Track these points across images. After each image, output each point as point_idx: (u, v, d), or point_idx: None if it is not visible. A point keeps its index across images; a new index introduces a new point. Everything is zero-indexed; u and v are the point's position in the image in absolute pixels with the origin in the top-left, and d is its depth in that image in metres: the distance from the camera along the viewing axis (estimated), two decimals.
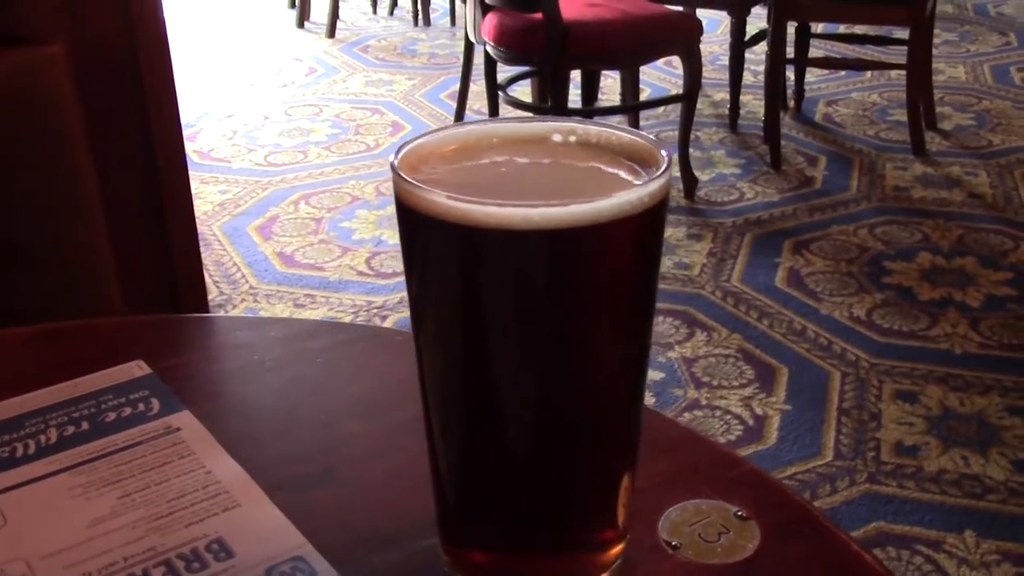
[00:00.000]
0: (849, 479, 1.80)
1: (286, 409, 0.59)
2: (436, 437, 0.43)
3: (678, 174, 2.96)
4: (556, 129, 0.43)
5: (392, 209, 2.68)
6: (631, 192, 0.36)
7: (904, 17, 2.99)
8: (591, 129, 0.43)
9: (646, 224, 0.37)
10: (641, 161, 0.41)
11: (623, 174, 0.40)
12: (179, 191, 1.23)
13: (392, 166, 0.40)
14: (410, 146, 0.41)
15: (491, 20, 2.79)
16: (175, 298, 1.28)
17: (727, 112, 3.46)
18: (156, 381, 0.62)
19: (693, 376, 2.10)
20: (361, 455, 0.54)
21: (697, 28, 2.82)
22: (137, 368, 0.63)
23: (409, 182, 0.37)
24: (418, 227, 0.38)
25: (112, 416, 0.59)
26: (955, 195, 2.91)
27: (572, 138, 0.43)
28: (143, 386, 0.62)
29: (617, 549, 0.44)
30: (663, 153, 0.40)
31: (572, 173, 0.41)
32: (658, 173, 0.38)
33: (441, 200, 0.36)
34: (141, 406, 0.60)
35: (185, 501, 0.52)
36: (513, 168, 0.41)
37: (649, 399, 2.02)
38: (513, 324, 0.38)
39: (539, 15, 2.62)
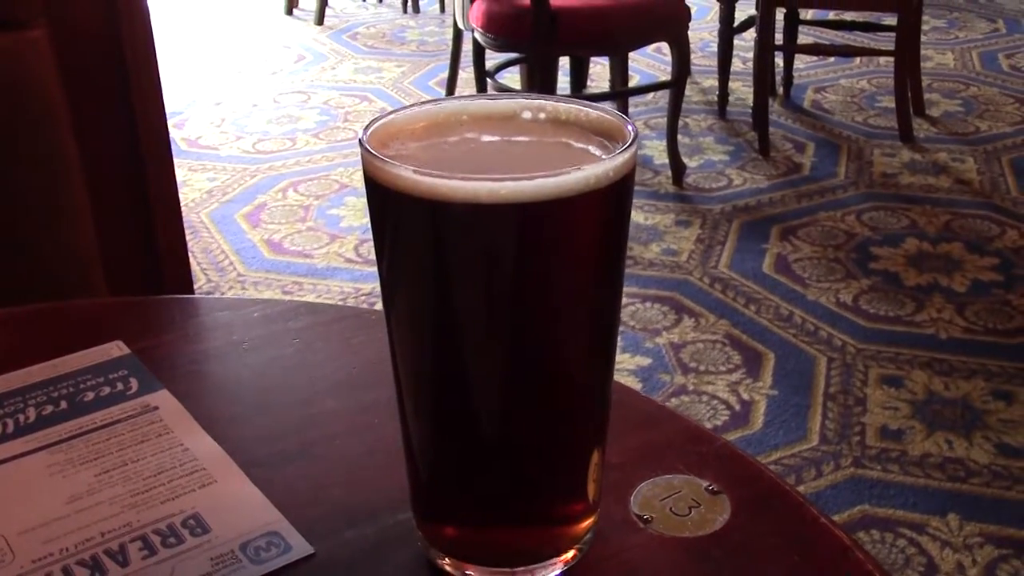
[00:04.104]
0: (834, 463, 1.81)
1: (264, 388, 0.60)
2: (407, 413, 0.43)
3: (666, 160, 2.96)
4: (526, 106, 0.43)
5: None
6: (597, 166, 0.37)
7: (892, 3, 2.99)
8: (560, 106, 0.43)
9: (612, 197, 0.38)
10: (609, 136, 0.41)
11: (592, 149, 0.40)
12: (164, 177, 1.23)
13: (360, 142, 0.40)
14: (380, 123, 0.42)
15: (479, 6, 2.78)
16: (161, 285, 1.28)
17: (716, 99, 3.47)
18: (134, 361, 0.62)
19: (680, 362, 2.11)
20: (338, 432, 0.54)
21: (685, 15, 2.82)
22: (116, 348, 0.64)
23: (376, 157, 0.38)
24: (386, 203, 0.38)
25: (90, 396, 0.60)
26: (942, 181, 2.92)
27: (542, 115, 0.43)
28: (121, 366, 0.62)
29: (588, 523, 0.45)
30: (629, 128, 0.40)
31: (540, 148, 0.41)
32: (623, 147, 0.38)
33: (408, 175, 0.36)
34: (120, 385, 0.60)
35: (162, 478, 0.52)
36: (482, 144, 0.41)
37: (636, 384, 2.03)
38: (481, 298, 0.39)
39: (527, 1, 2.62)
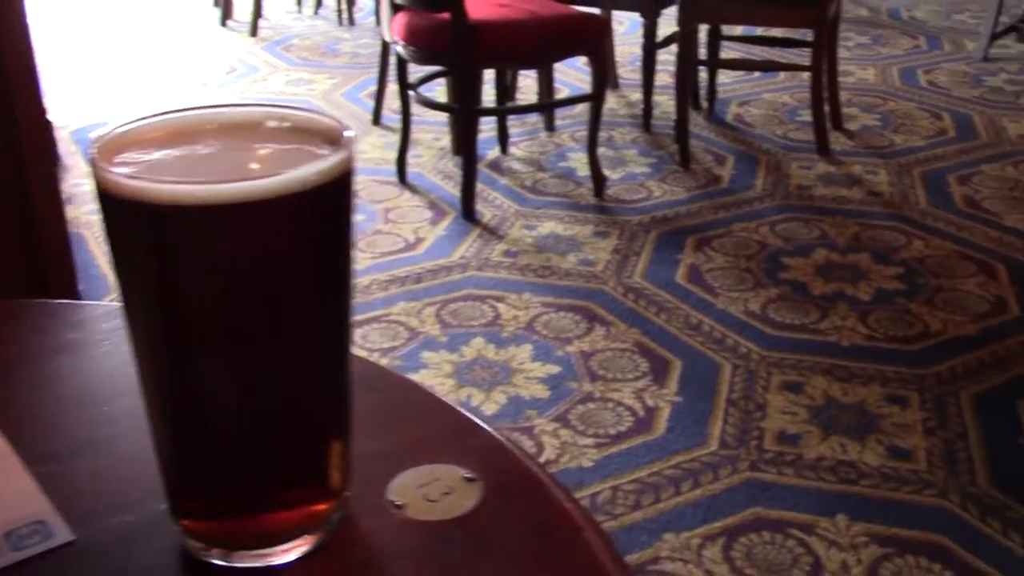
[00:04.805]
0: (731, 467, 1.86)
1: (68, 388, 0.62)
2: (150, 414, 0.46)
3: (588, 173, 3.01)
4: (271, 115, 0.46)
5: None
6: (300, 170, 0.40)
7: (807, 20, 3.07)
8: (303, 115, 0.46)
9: (318, 200, 0.41)
10: (337, 143, 0.44)
11: (321, 154, 0.43)
12: (47, 186, 1.24)
13: (88, 149, 0.42)
14: (118, 131, 0.44)
15: (400, 19, 2.81)
16: (45, 291, 1.28)
17: (641, 112, 3.53)
18: None
19: (589, 369, 2.15)
20: (127, 430, 0.56)
21: (604, 29, 2.87)
22: None
23: (97, 163, 0.40)
24: (105, 207, 0.41)
25: None
26: (855, 193, 3.00)
27: (286, 124, 0.46)
28: None
29: (328, 507, 0.48)
30: (346, 135, 0.43)
31: (270, 154, 0.44)
32: (329, 154, 0.41)
33: (119, 179, 0.39)
34: None
35: None
36: (215, 151, 0.44)
37: (544, 392, 2.06)
38: (193, 300, 0.41)
39: (446, 15, 2.65)
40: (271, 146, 0.45)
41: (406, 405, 0.58)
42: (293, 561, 0.47)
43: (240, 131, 0.45)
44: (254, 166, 0.42)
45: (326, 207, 0.41)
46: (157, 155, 0.43)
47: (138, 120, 0.45)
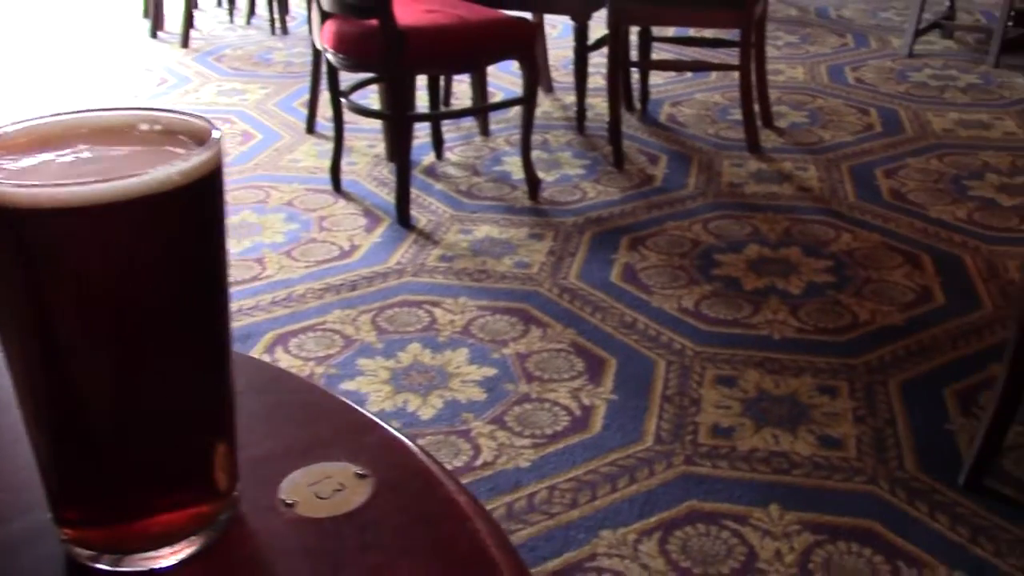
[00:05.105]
0: (667, 462, 1.88)
1: None
2: (26, 421, 0.46)
3: (523, 176, 3.03)
4: (143, 119, 0.46)
5: (236, 219, 2.64)
6: (161, 170, 0.40)
7: (733, 20, 3.12)
8: (175, 118, 0.46)
9: (183, 200, 0.41)
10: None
11: (186, 154, 0.43)
12: None
13: None
14: None
15: (329, 27, 2.81)
16: None
17: (575, 115, 3.55)
18: None
19: (525, 371, 2.16)
20: (9, 441, 0.56)
21: (533, 33, 2.88)
22: None
23: None
24: None
25: None
26: (785, 189, 3.05)
27: (157, 126, 0.46)
28: None
29: (214, 508, 0.48)
30: (213, 136, 0.43)
31: (137, 157, 0.44)
32: (192, 155, 0.41)
33: None
34: None
35: None
36: (83, 156, 0.44)
37: (480, 394, 2.07)
38: (63, 305, 0.41)
39: (375, 22, 2.65)
40: (140, 149, 0.45)
41: (302, 406, 0.58)
42: (180, 563, 0.47)
43: (110, 135, 0.45)
44: (120, 169, 0.42)
45: (192, 207, 0.42)
46: (24, 161, 0.43)
47: (7, 126, 0.45)
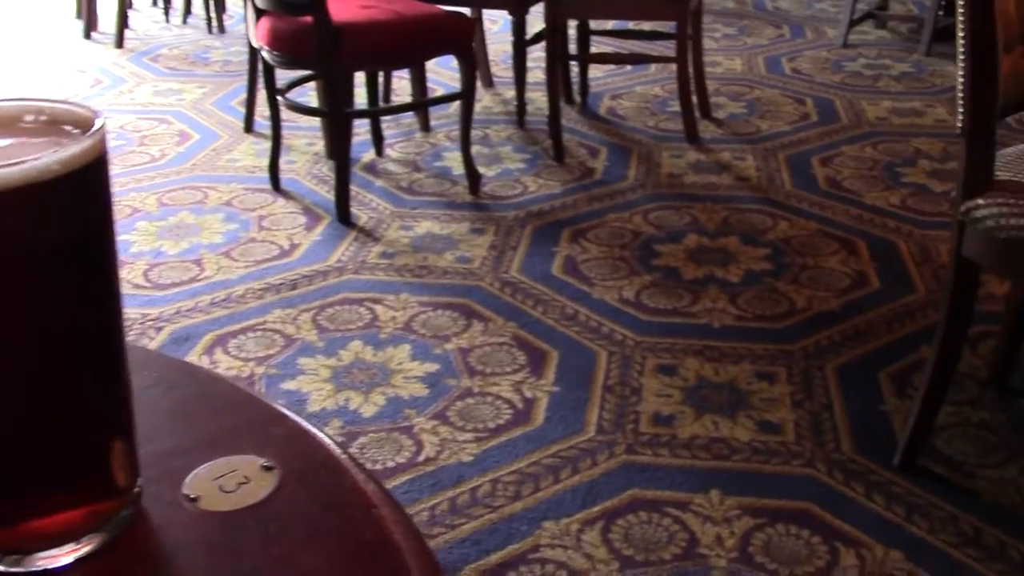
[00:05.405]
0: (609, 452, 1.89)
1: None
2: None
3: (463, 171, 3.02)
4: (29, 109, 0.45)
5: (174, 220, 2.61)
6: (41, 159, 0.39)
7: (668, 13, 3.14)
8: (59, 108, 0.45)
9: (63, 190, 0.40)
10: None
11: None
12: None
13: None
14: None
15: (264, 24, 2.78)
16: None
17: (515, 109, 3.55)
18: None
19: (467, 365, 2.15)
20: None
21: (470, 28, 2.88)
22: None
23: None
24: None
25: None
26: (724, 179, 3.08)
27: (42, 117, 0.45)
28: None
29: (114, 506, 0.47)
30: (97, 124, 0.42)
31: (19, 147, 0.43)
32: (71, 144, 0.41)
33: None
34: None
35: None
36: None
37: (423, 390, 2.06)
38: None
39: (310, 18, 2.63)
40: (24, 139, 0.44)
41: (210, 399, 0.57)
42: (79, 561, 0.46)
43: None
44: (1, 159, 0.41)
45: (74, 197, 0.41)
46: None
47: None
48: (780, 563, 1.61)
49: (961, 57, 1.60)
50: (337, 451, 0.53)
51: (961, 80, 1.61)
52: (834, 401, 2.02)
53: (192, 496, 0.50)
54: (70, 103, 0.45)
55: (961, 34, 1.58)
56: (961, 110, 1.63)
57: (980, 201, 1.62)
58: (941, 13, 4.30)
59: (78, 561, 0.46)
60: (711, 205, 2.91)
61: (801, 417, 1.97)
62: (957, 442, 1.89)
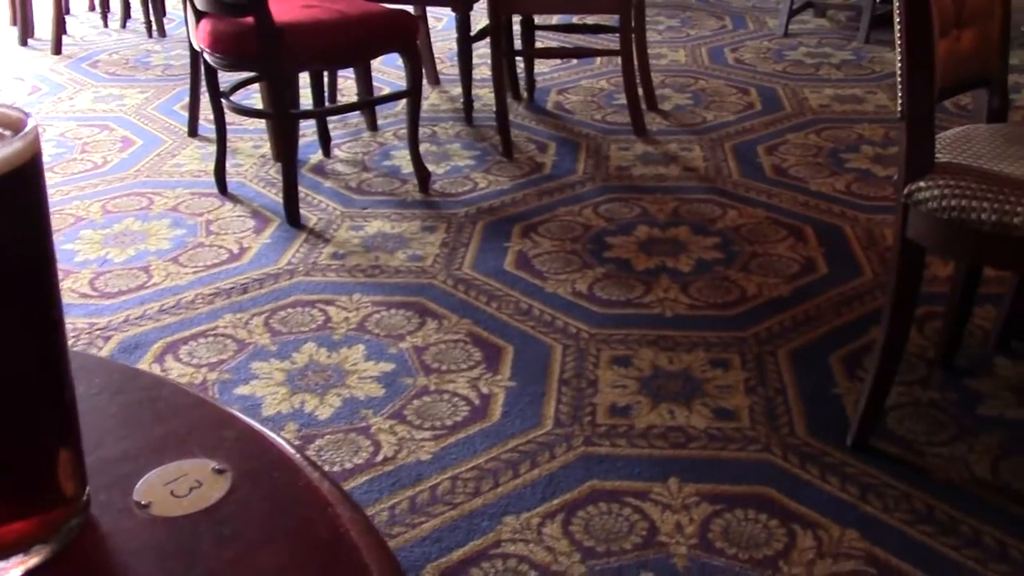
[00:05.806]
0: (567, 445, 1.89)
1: None
2: None
3: (412, 170, 3.01)
4: None
5: (119, 227, 2.57)
6: None
7: (609, 6, 3.15)
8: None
9: None
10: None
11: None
12: None
13: None
14: None
15: (204, 26, 2.74)
16: None
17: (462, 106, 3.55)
18: None
19: (423, 364, 2.15)
20: None
21: (414, 26, 2.87)
22: None
23: None
24: None
25: None
26: (672, 170, 3.10)
27: None
28: None
29: (62, 515, 0.46)
30: (28, 126, 0.42)
31: None
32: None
33: None
34: None
35: None
36: None
37: (378, 390, 2.05)
38: None
39: (251, 20, 2.60)
40: None
41: (158, 404, 0.56)
42: (29, 572, 0.45)
43: None
44: None
45: (6, 200, 0.40)
46: None
47: None
48: (739, 547, 1.62)
49: (899, 43, 1.62)
50: (290, 451, 0.53)
51: (900, 66, 1.64)
52: (787, 386, 2.04)
53: (143, 502, 0.49)
54: (10, 108, 0.44)
55: (898, 21, 1.61)
56: (901, 95, 1.65)
57: (922, 184, 1.65)
58: (879, 1, 4.36)
59: (27, 573, 0.45)
60: (660, 196, 2.93)
61: (755, 403, 1.99)
62: (908, 421, 1.92)
